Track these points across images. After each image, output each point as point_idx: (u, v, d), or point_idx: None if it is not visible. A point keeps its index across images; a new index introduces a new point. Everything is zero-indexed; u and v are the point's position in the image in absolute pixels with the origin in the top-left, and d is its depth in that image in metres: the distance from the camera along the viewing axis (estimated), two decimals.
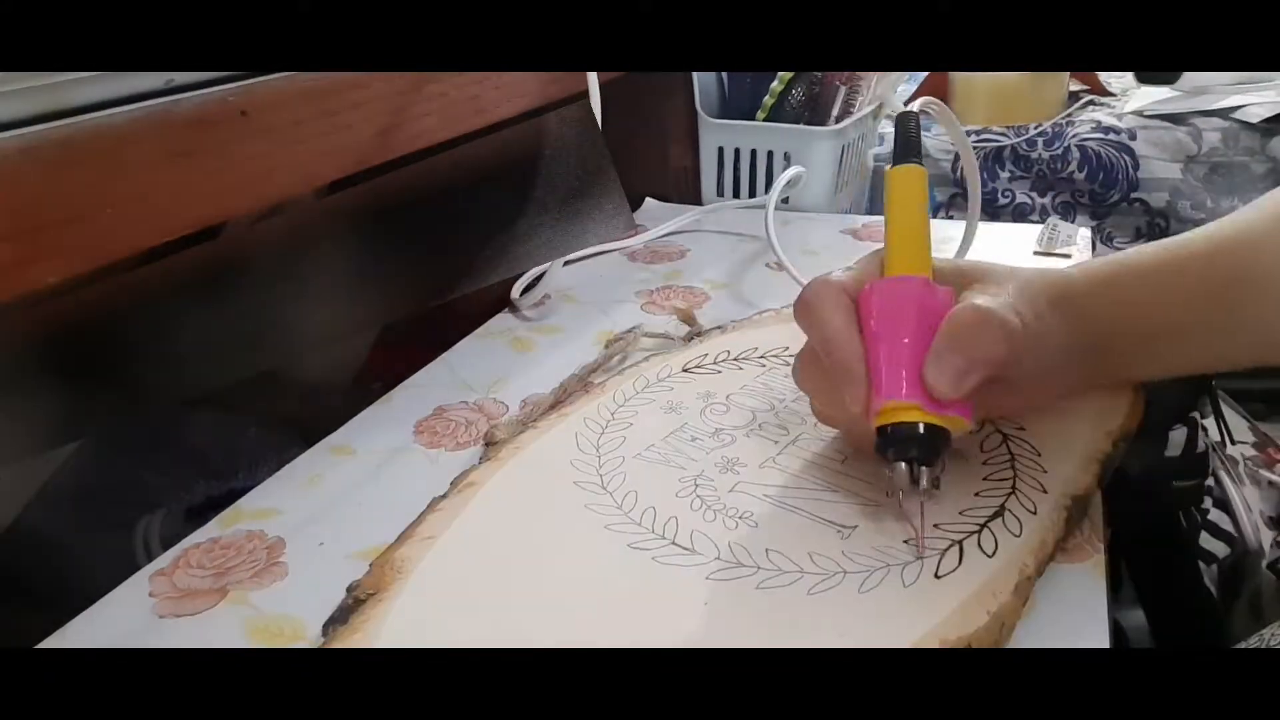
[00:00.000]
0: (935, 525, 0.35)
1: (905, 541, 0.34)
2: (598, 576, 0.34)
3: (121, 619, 0.34)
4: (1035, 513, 0.35)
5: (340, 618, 0.32)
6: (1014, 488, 0.37)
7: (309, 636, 0.33)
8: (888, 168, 0.40)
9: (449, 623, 0.32)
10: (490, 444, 0.43)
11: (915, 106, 0.42)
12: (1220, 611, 0.54)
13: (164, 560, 0.37)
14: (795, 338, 0.37)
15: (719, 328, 0.54)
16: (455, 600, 0.33)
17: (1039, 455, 0.39)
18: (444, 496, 0.39)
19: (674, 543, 0.35)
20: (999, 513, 0.35)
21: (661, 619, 0.32)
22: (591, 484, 0.39)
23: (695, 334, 0.53)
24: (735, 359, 0.49)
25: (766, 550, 0.34)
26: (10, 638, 0.35)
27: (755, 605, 0.32)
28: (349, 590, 0.34)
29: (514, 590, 0.33)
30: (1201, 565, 0.55)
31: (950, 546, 0.34)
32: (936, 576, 0.33)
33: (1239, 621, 0.53)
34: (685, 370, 0.48)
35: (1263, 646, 0.39)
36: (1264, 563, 0.54)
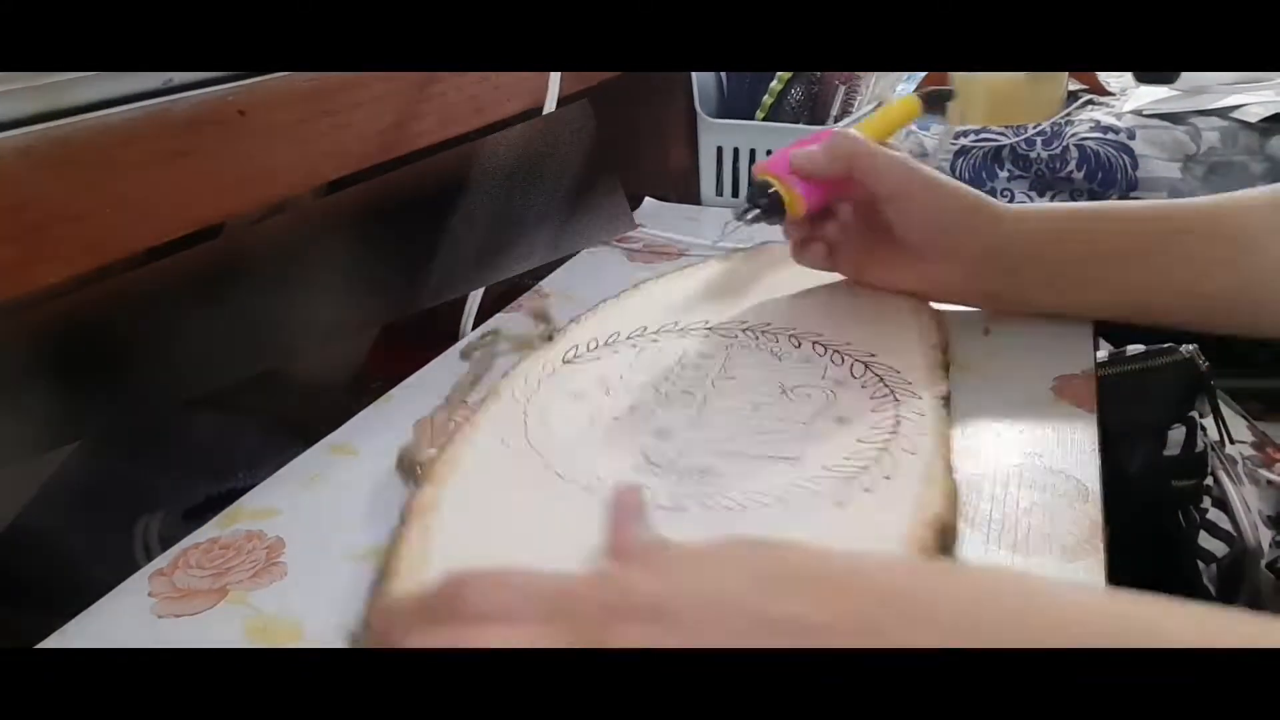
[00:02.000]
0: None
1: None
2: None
3: (121, 619, 0.34)
4: (924, 415, 0.41)
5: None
6: (896, 399, 0.43)
7: (308, 637, 0.33)
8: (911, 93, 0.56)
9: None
10: (416, 465, 0.41)
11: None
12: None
13: (164, 560, 0.37)
14: (647, 319, 0.52)
15: (572, 321, 0.55)
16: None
17: (898, 371, 0.45)
18: (404, 525, 0.36)
19: (660, 506, 0.36)
20: (898, 421, 0.41)
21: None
22: (551, 480, 0.39)
23: (552, 331, 0.54)
24: (605, 344, 0.51)
25: (745, 492, 0.37)
26: (10, 638, 0.35)
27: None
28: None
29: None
30: (1200, 564, 0.55)
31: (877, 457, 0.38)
32: (886, 478, 0.37)
33: None
34: (566, 362, 0.49)
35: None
36: (1262, 562, 0.54)
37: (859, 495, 0.36)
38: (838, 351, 0.47)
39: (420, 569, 0.34)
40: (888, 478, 0.37)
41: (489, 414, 0.44)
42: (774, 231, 0.54)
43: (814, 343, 0.48)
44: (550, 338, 0.53)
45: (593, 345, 0.51)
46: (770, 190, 0.49)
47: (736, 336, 0.50)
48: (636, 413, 0.44)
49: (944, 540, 0.34)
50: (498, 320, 0.58)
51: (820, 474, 0.38)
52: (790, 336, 0.49)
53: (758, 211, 0.50)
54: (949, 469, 0.38)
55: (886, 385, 0.44)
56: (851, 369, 0.46)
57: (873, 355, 0.47)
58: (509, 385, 0.47)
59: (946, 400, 0.43)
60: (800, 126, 0.80)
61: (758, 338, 0.50)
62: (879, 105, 0.71)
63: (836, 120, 0.81)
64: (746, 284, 0.57)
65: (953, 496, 0.36)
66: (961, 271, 0.49)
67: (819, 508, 0.36)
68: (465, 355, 0.53)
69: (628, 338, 0.51)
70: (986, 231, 0.47)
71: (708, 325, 0.51)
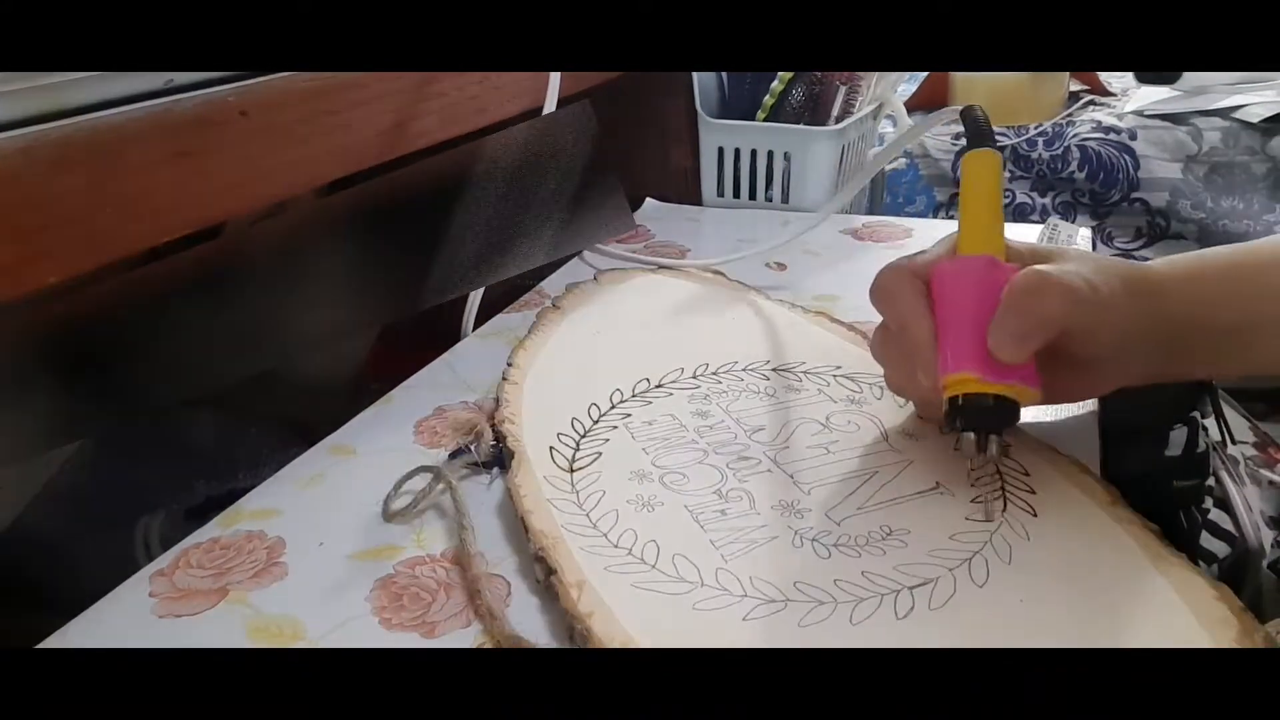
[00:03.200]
0: (929, 553, 0.34)
1: (973, 500, 0.37)
2: None
3: (121, 619, 0.34)
4: (1028, 539, 0.35)
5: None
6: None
7: (309, 636, 0.33)
8: (965, 155, 0.41)
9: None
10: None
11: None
12: None
13: (164, 560, 0.37)
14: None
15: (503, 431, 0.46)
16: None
17: (1027, 475, 0.39)
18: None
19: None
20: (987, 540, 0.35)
21: None
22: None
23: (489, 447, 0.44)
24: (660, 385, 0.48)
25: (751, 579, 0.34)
26: (10, 638, 0.35)
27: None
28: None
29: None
30: (1202, 565, 0.55)
31: (940, 576, 0.33)
32: (930, 608, 0.32)
33: None
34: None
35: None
36: (1264, 562, 0.54)
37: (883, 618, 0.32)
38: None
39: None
40: (931, 609, 0.32)
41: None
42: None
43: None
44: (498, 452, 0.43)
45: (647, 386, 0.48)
46: (990, 401, 0.35)
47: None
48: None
49: None
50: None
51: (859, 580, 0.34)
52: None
53: (997, 439, 0.36)
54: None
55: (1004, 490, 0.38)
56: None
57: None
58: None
59: None
60: (801, 127, 0.80)
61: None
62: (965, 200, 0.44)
63: (837, 120, 0.81)
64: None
65: None
66: (1138, 367, 0.41)
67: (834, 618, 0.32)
68: (390, 518, 0.40)
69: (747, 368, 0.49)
70: (1157, 315, 0.40)
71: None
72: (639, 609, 0.32)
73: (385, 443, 0.45)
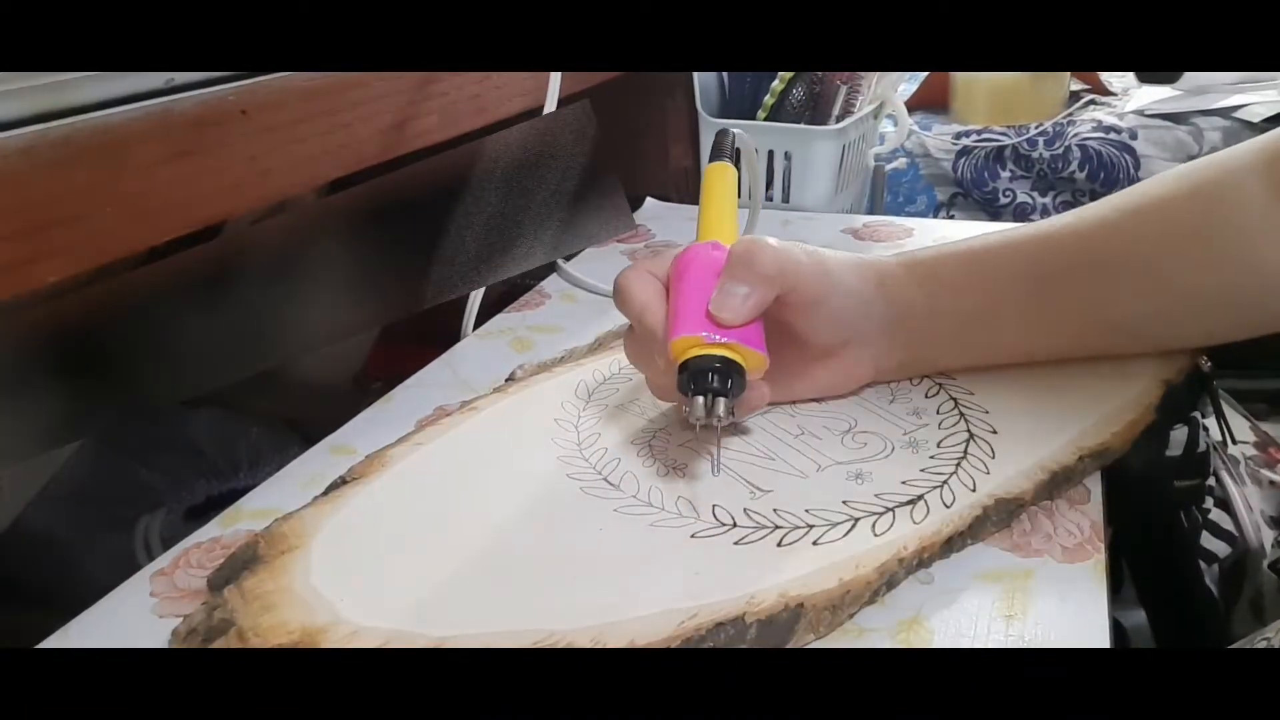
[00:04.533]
0: (876, 495, 0.37)
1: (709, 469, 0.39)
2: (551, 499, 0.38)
3: (122, 619, 0.34)
4: (949, 506, 0.37)
5: (323, 494, 0.38)
6: (944, 482, 0.38)
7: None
8: (706, 165, 0.47)
9: (415, 506, 0.36)
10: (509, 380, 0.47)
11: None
12: (1221, 611, 0.54)
13: (164, 560, 0.37)
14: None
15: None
16: (425, 490, 0.38)
17: (992, 457, 0.40)
18: (449, 414, 0.44)
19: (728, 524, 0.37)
20: (913, 501, 0.37)
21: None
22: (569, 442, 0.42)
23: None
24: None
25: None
26: (10, 638, 0.35)
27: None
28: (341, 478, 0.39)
29: (482, 491, 0.38)
30: (1202, 565, 0.55)
31: (847, 521, 0.36)
32: (814, 544, 0.35)
33: (1240, 621, 0.53)
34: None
35: (1263, 646, 0.39)
36: (1265, 562, 0.54)
37: (766, 546, 0.35)
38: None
39: (415, 447, 0.43)
40: (815, 544, 0.35)
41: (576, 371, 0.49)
42: None
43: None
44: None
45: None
46: (717, 364, 0.36)
47: None
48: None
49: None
50: (579, 316, 0.59)
51: (774, 509, 0.37)
52: None
53: (725, 401, 0.36)
54: (898, 562, 0.35)
55: (957, 465, 0.40)
56: (944, 439, 0.41)
57: (992, 431, 0.42)
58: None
59: (999, 507, 0.37)
60: (801, 126, 0.80)
61: None
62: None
63: (838, 120, 0.81)
64: None
65: (865, 588, 0.33)
66: (868, 357, 0.43)
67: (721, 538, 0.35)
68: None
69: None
70: (883, 301, 0.42)
71: None
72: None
73: (385, 443, 0.45)
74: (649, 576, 0.33)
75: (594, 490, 0.38)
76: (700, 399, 0.36)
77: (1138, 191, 0.43)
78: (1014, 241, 0.43)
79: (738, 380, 0.37)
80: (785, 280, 0.38)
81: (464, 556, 0.34)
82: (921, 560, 0.34)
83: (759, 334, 0.38)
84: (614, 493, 0.38)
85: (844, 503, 0.37)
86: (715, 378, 0.36)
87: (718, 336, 0.36)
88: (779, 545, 0.35)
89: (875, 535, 0.35)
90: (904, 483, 0.38)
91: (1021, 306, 0.42)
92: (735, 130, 0.49)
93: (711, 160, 0.47)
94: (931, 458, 0.39)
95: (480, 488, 0.39)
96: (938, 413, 0.42)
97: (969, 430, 0.41)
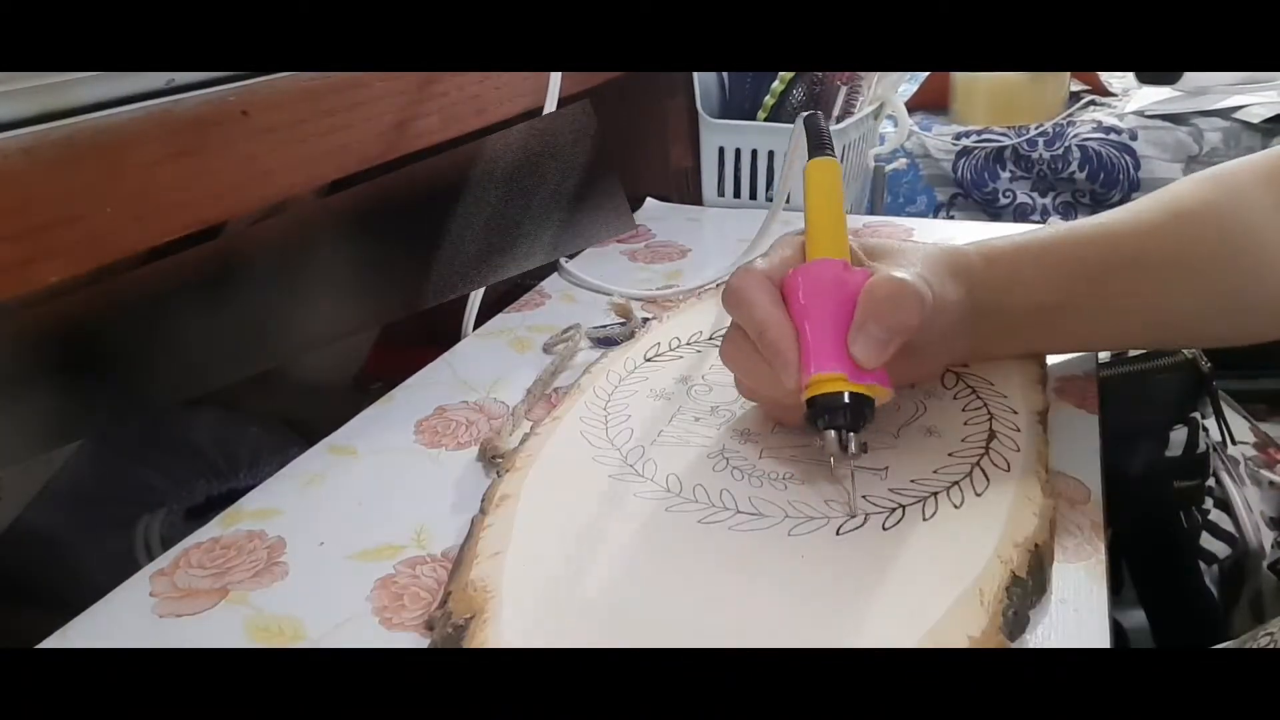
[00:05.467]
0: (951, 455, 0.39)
1: (830, 501, 0.38)
2: (683, 554, 0.34)
3: (122, 619, 0.34)
4: (1019, 431, 0.40)
5: (450, 643, 0.31)
6: (990, 412, 0.41)
7: (309, 636, 0.33)
8: (806, 162, 0.43)
9: (560, 626, 0.31)
10: (497, 458, 0.42)
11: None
12: (1220, 612, 0.54)
13: (164, 560, 0.37)
14: (725, 319, 0.40)
15: (654, 318, 0.56)
16: (554, 605, 0.32)
17: (992, 384, 0.43)
18: (484, 514, 0.38)
19: (740, 511, 0.36)
20: (991, 436, 0.40)
21: (759, 580, 0.33)
22: (629, 475, 0.39)
23: (634, 329, 0.54)
24: (687, 343, 0.51)
25: (826, 501, 0.37)
26: (10, 638, 0.35)
27: (842, 549, 0.34)
28: (439, 622, 0.32)
29: (606, 586, 0.33)
30: (1202, 565, 0.55)
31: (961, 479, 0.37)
32: (977, 494, 0.36)
33: (1239, 621, 0.53)
34: (648, 360, 0.49)
35: (1266, 644, 0.39)
36: (1264, 563, 0.54)
37: (947, 510, 0.35)
38: None
39: (498, 553, 0.35)
40: (979, 494, 0.36)
41: (570, 408, 0.45)
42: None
43: None
44: (632, 335, 0.53)
45: (675, 344, 0.51)
46: (846, 399, 0.36)
47: None
48: (718, 414, 0.43)
49: (1038, 562, 0.33)
50: (579, 317, 0.58)
51: (908, 486, 0.37)
52: None
53: (854, 436, 0.36)
54: (1046, 489, 0.36)
55: (980, 398, 0.43)
56: (943, 379, 0.44)
57: (965, 366, 0.45)
58: (592, 380, 0.48)
59: (1043, 416, 0.41)
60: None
61: None
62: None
63: (838, 120, 0.81)
64: None
65: (1049, 517, 0.35)
66: (947, 347, 0.44)
67: (906, 520, 0.35)
68: (547, 349, 0.54)
69: (709, 338, 0.51)
70: (962, 292, 0.43)
71: None
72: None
73: (385, 443, 0.45)
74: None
75: (741, 526, 0.36)
76: (833, 433, 0.36)
77: (1185, 194, 0.45)
78: (1079, 237, 0.44)
79: (868, 415, 0.37)
80: (924, 325, 0.37)
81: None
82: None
83: (886, 370, 0.38)
84: (757, 519, 0.36)
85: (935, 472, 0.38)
86: (849, 415, 0.36)
87: (856, 380, 0.36)
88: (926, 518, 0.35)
89: (1006, 471, 0.37)
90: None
91: (1088, 301, 0.44)
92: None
93: (812, 155, 0.43)
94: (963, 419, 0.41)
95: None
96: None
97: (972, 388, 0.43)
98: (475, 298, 0.59)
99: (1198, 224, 0.44)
